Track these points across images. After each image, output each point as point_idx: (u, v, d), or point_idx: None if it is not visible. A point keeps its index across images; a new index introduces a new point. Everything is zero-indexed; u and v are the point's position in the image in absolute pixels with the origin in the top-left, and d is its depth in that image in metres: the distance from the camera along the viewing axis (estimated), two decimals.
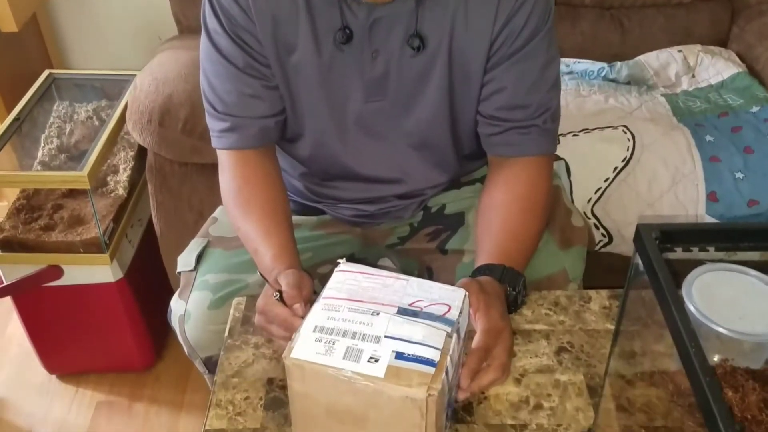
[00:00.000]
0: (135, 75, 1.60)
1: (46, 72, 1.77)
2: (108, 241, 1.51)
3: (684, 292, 0.60)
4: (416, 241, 1.14)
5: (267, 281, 0.86)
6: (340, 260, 0.77)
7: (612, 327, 0.87)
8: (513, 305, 0.89)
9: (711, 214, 1.35)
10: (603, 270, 1.28)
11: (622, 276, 0.65)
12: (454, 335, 0.68)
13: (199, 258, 1.06)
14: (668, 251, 0.59)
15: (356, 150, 1.03)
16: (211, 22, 0.94)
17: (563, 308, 0.91)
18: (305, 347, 0.66)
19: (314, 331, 0.68)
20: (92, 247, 1.50)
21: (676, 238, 0.60)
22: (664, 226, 0.61)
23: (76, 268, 1.52)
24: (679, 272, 0.59)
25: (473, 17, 0.92)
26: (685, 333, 0.51)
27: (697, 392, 0.48)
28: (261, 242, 0.94)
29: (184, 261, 1.07)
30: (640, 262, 0.60)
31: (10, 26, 1.68)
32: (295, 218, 1.07)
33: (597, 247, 1.43)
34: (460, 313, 0.71)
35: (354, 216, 1.14)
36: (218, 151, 1.01)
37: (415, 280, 0.74)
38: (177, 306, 1.04)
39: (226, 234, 1.09)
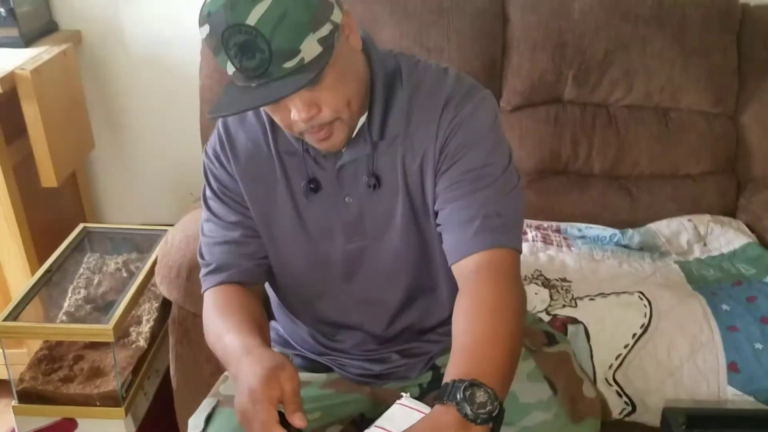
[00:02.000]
0: (166, 230, 1.66)
1: (80, 226, 1.85)
2: (125, 395, 1.50)
3: None
4: (426, 402, 1.13)
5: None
6: (403, 393, 0.83)
7: None
8: (476, 419, 0.77)
9: (733, 385, 1.33)
10: None
11: None
12: None
13: (209, 418, 1.06)
14: None
15: (344, 296, 1.08)
16: (208, 192, 1.08)
17: None
18: None
19: None
20: (109, 400, 1.49)
21: (703, 423, 0.61)
22: (690, 411, 0.62)
23: (90, 421, 1.50)
24: None
25: (416, 141, 0.99)
26: None
27: None
28: (230, 330, 0.96)
29: (194, 423, 1.07)
30: None
31: (50, 182, 1.78)
32: (304, 375, 1.09)
33: (621, 416, 1.40)
34: None
35: (360, 375, 1.14)
36: (204, 296, 1.08)
37: None
38: None
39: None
